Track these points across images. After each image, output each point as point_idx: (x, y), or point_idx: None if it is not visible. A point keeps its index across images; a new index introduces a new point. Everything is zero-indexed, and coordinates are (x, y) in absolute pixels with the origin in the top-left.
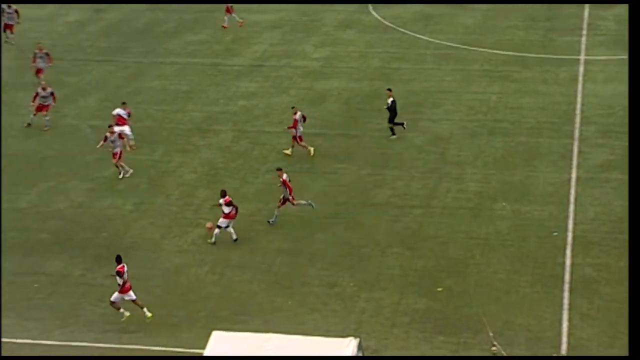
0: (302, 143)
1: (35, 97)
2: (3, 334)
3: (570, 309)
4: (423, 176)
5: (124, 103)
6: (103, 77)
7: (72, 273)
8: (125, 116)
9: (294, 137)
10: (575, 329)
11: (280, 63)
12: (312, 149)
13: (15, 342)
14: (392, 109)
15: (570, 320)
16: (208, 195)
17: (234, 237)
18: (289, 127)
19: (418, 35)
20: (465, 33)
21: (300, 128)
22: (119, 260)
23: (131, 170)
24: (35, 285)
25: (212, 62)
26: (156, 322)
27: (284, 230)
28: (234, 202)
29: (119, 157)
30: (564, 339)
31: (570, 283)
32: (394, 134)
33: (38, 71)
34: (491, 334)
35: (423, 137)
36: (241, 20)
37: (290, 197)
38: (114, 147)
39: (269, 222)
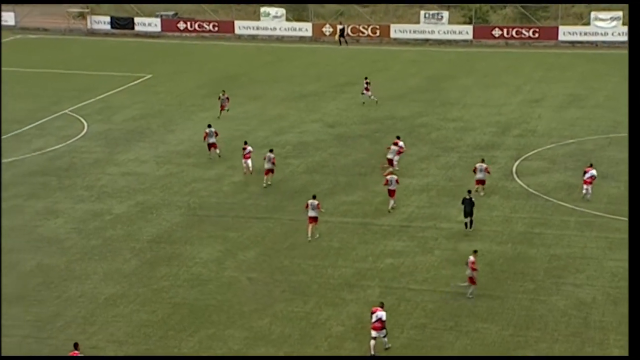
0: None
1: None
2: None
3: None
4: (566, 339)
5: None
6: (261, 233)
7: None
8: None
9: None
10: None
11: (426, 224)
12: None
13: None
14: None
15: None
16: (355, 348)
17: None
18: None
19: (562, 203)
20: (609, 202)
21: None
22: None
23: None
24: None
25: (362, 221)
26: None
27: None
28: None
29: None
30: None
31: None
32: None
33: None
34: None
35: (566, 301)
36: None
37: None
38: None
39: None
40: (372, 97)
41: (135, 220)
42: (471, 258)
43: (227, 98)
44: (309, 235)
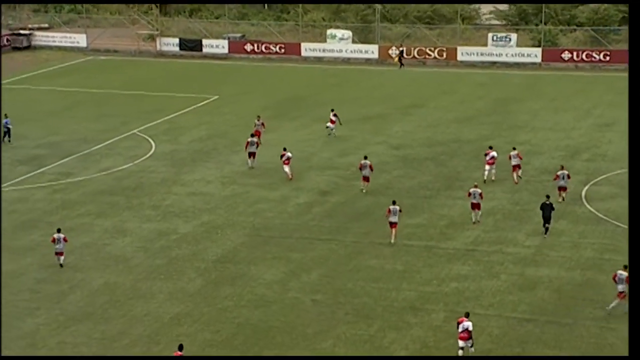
0: None
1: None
2: None
3: None
4: None
5: None
6: (325, 255)
7: None
8: None
9: None
10: None
11: (492, 249)
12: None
13: None
14: None
15: None
16: None
17: None
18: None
19: None
20: None
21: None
22: None
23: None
24: None
25: (426, 244)
26: None
27: None
28: None
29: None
30: None
31: None
32: None
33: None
34: None
35: None
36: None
37: None
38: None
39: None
40: (334, 131)
41: (200, 240)
42: (625, 273)
43: (263, 124)
44: (392, 239)
